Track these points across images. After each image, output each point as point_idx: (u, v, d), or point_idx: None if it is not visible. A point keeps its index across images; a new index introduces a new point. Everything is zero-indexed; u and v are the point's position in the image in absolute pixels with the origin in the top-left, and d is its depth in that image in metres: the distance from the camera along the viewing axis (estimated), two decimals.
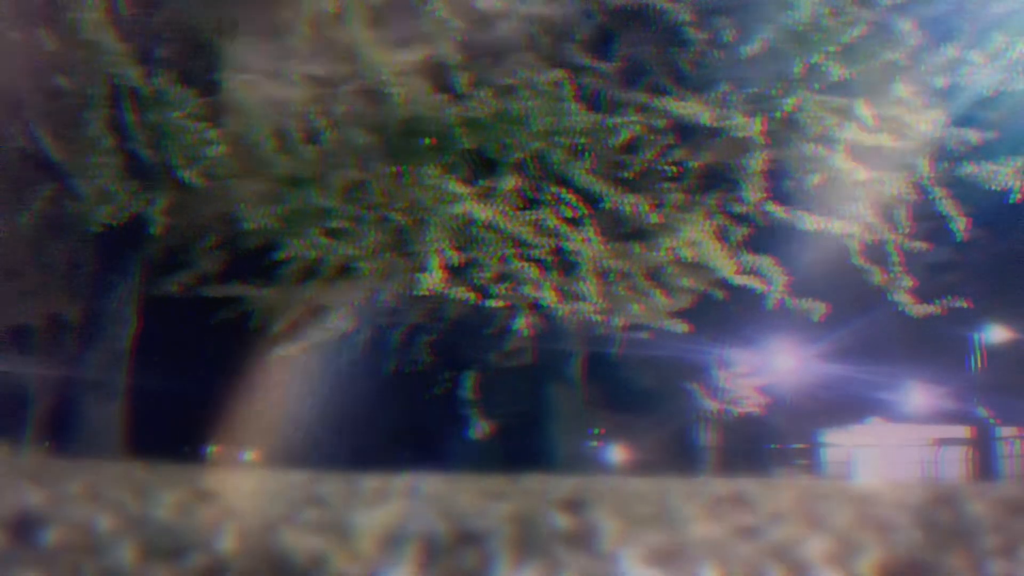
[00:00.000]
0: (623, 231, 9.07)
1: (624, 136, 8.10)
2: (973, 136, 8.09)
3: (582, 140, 8.08)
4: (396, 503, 2.27)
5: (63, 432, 8.48)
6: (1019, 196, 8.24)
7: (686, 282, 9.52)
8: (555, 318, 9.92)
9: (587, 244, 8.78)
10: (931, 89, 7.99)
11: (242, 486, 3.08)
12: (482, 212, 8.10)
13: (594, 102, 8.07)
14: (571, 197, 8.62)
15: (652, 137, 8.36)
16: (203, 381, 18.14)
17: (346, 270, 9.20)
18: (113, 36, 6.82)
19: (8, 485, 2.86)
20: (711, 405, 22.34)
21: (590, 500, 2.29)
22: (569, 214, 8.65)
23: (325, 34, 7.40)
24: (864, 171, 8.27)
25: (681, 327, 9.88)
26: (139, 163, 7.59)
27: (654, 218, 8.64)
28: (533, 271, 9.05)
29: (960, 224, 8.39)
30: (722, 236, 8.93)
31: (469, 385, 14.70)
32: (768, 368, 22.50)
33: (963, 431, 23.32)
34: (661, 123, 8.15)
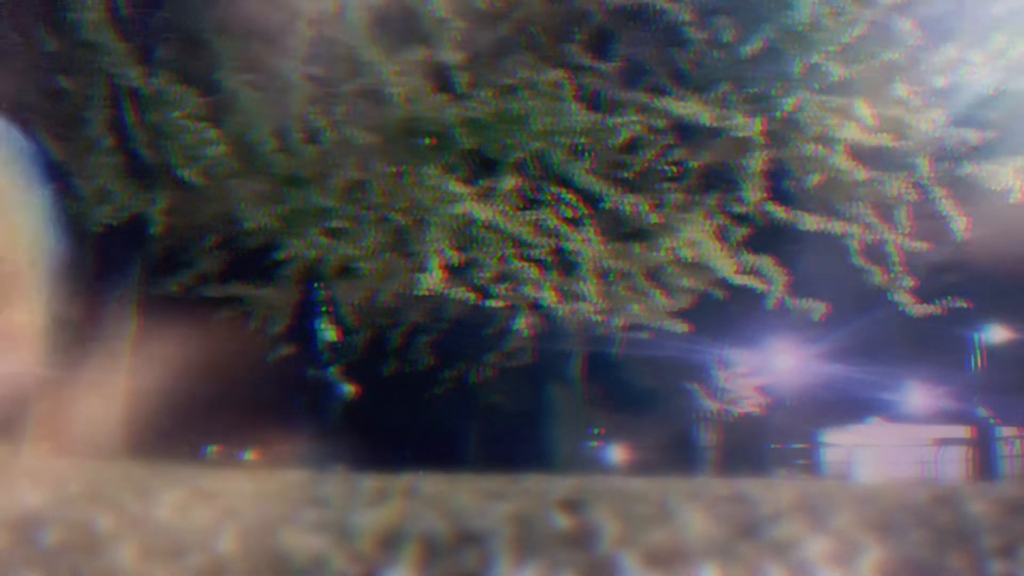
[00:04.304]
0: (623, 231, 9.07)
1: (624, 136, 8.10)
2: (973, 136, 8.09)
3: (582, 140, 8.08)
4: (396, 503, 2.27)
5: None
6: (1019, 196, 8.24)
7: (686, 282, 9.52)
8: (555, 318, 9.92)
9: (587, 244, 8.79)
10: (931, 89, 7.98)
11: (242, 486, 3.08)
12: (482, 212, 8.10)
13: (594, 102, 8.07)
14: (571, 197, 8.62)
15: (652, 137, 8.36)
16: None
17: (346, 270, 9.20)
18: (113, 36, 6.82)
19: (8, 485, 2.85)
20: (711, 405, 22.36)
21: (590, 500, 2.29)
22: (569, 214, 8.65)
23: (325, 34, 7.40)
24: (864, 171, 8.27)
25: (681, 327, 9.88)
26: (139, 163, 7.59)
27: (654, 218, 8.64)
28: (533, 271, 9.05)
29: (960, 224, 8.39)
30: (722, 236, 8.93)
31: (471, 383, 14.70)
32: (768, 368, 22.52)
33: (963, 431, 23.32)
34: (661, 123, 8.15)
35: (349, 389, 6.63)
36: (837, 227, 8.69)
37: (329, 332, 6.64)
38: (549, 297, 9.12)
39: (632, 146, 8.44)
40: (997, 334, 23.03)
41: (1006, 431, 22.64)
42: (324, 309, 6.72)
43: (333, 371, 6.59)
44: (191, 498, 2.33)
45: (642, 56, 8.48)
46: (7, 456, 8.49)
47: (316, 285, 6.84)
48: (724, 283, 9.29)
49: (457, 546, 1.46)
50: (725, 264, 8.82)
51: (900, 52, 7.62)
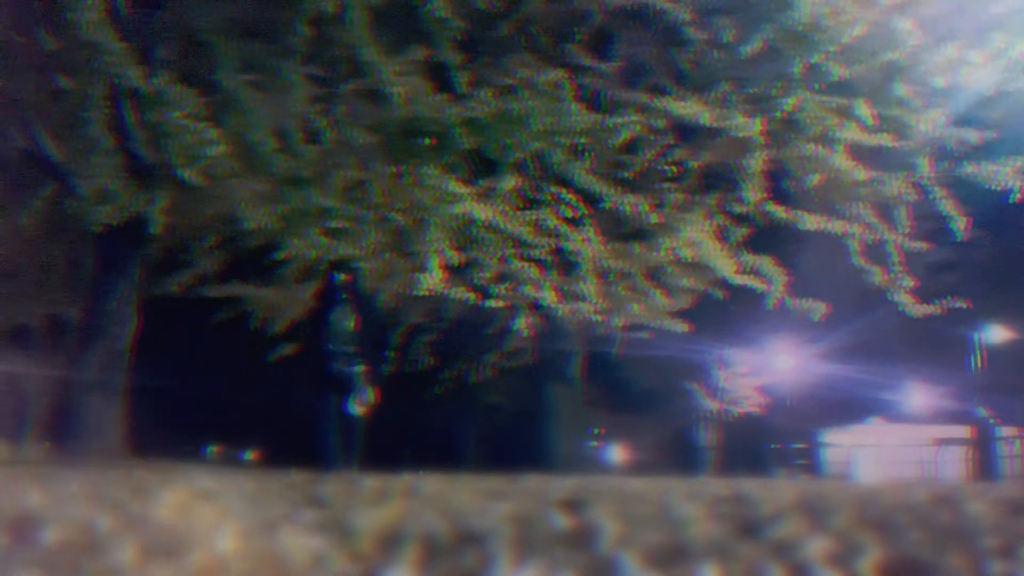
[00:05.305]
0: (623, 231, 9.07)
1: (624, 136, 8.10)
2: (973, 136, 8.09)
3: (582, 140, 8.08)
4: (396, 503, 2.27)
5: (63, 432, 8.48)
6: (1019, 196, 8.24)
7: (686, 282, 9.53)
8: (555, 318, 9.92)
9: (587, 244, 8.79)
10: (931, 89, 7.99)
11: (242, 486, 3.09)
12: (482, 212, 8.10)
13: (594, 102, 8.07)
14: (571, 197, 8.62)
15: (652, 137, 8.36)
16: (203, 381, 18.19)
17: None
18: (113, 36, 6.82)
19: (8, 485, 2.86)
20: (711, 405, 22.36)
21: (590, 500, 2.29)
22: (569, 214, 8.65)
23: (325, 34, 7.40)
24: (864, 171, 8.27)
25: (681, 327, 9.89)
26: (139, 163, 7.59)
27: (654, 218, 8.64)
28: (533, 271, 9.05)
29: (960, 224, 8.40)
30: (722, 236, 8.93)
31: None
32: (768, 368, 22.53)
33: (963, 431, 23.33)
34: (661, 123, 8.15)
35: (370, 392, 6.36)
36: (837, 227, 8.69)
37: (349, 323, 6.33)
38: (549, 297, 9.13)
39: (632, 146, 8.44)
40: (997, 334, 23.04)
41: (1006, 431, 22.64)
42: (344, 297, 6.38)
43: (359, 370, 6.29)
44: (191, 498, 2.34)
45: (642, 56, 8.48)
46: (7, 456, 8.49)
47: (336, 274, 6.48)
48: (724, 283, 9.29)
49: (457, 546, 1.46)
50: (725, 264, 8.83)
51: (900, 52, 7.62)
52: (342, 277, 6.43)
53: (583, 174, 8.38)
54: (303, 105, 7.52)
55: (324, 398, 6.22)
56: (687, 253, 8.83)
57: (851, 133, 8.02)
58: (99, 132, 7.25)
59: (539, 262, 9.05)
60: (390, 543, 1.45)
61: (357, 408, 6.23)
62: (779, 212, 8.72)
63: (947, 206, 8.39)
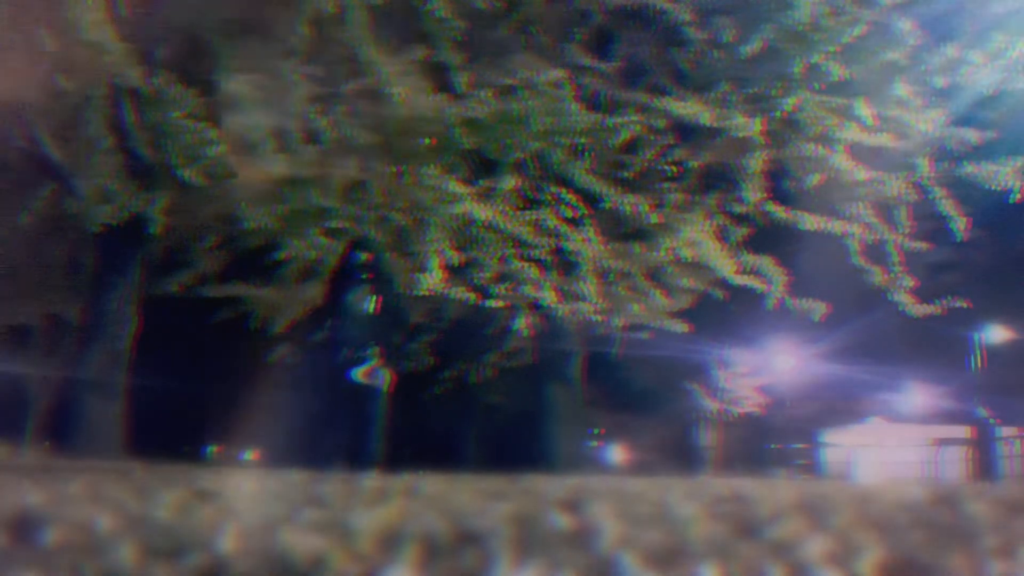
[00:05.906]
0: (623, 231, 9.07)
1: (624, 136, 8.10)
2: (973, 136, 8.10)
3: (582, 140, 8.08)
4: (396, 503, 2.27)
5: (63, 432, 8.48)
6: (1019, 196, 8.25)
7: (686, 282, 9.52)
8: (555, 318, 9.91)
9: (587, 244, 8.78)
10: (931, 89, 7.99)
11: (242, 486, 3.09)
12: (482, 212, 8.10)
13: (594, 102, 8.08)
14: (571, 197, 8.62)
15: (652, 137, 8.36)
16: (203, 381, 18.19)
17: None
18: (113, 36, 6.82)
19: (8, 485, 2.85)
20: (711, 405, 22.37)
21: (590, 500, 2.29)
22: (569, 214, 8.65)
23: (325, 34, 7.41)
24: (864, 171, 8.27)
25: (681, 327, 9.88)
26: (139, 163, 7.59)
27: (654, 218, 8.64)
28: (533, 271, 9.05)
29: (960, 224, 8.40)
30: (722, 236, 8.93)
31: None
32: (768, 368, 22.55)
33: (963, 431, 23.34)
34: (661, 123, 8.15)
35: (387, 376, 5.96)
36: (837, 227, 8.69)
37: (369, 305, 5.92)
38: (549, 297, 9.12)
39: (632, 146, 8.44)
40: (997, 334, 23.04)
41: (1006, 431, 22.65)
42: (364, 277, 5.98)
43: (373, 353, 5.88)
44: (191, 498, 2.34)
45: (642, 56, 8.48)
46: (7, 456, 8.49)
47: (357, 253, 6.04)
48: (724, 283, 9.29)
49: (457, 546, 1.46)
50: (725, 264, 8.82)
51: (900, 52, 7.62)
52: (364, 256, 6.10)
53: (583, 174, 8.38)
54: (303, 105, 7.53)
55: (331, 395, 6.11)
56: (687, 253, 8.83)
57: (851, 133, 8.02)
58: (99, 132, 7.25)
59: (539, 262, 9.05)
60: (390, 543, 1.45)
61: (363, 379, 5.86)
62: (779, 212, 8.72)
63: (947, 206, 8.39)
